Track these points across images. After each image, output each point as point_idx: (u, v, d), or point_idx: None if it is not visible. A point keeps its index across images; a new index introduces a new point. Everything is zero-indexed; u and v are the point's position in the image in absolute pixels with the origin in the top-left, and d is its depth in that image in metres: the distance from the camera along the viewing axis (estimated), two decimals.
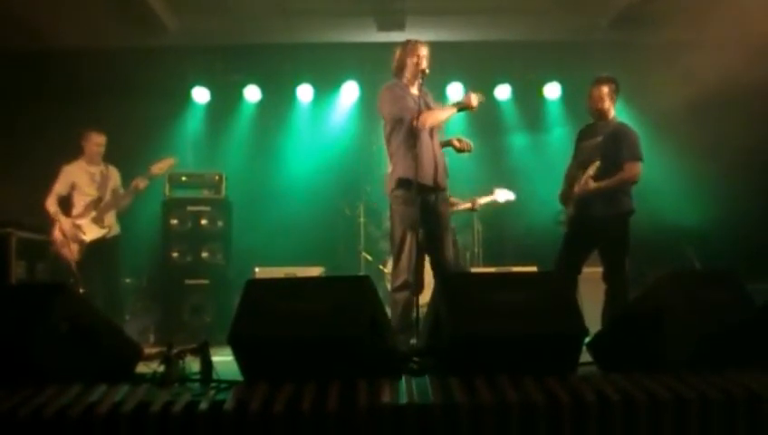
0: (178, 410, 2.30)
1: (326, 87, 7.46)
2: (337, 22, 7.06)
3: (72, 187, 5.62)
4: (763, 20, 5.51)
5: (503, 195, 5.72)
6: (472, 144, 4.55)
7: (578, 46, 7.00)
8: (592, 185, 4.44)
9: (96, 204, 5.61)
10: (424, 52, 4.34)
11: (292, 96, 7.47)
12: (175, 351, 2.75)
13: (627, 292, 4.39)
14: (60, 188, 5.59)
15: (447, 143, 4.55)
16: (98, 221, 5.57)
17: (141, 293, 6.48)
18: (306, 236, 6.76)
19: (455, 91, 7.20)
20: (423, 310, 3.98)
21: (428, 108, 4.34)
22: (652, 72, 6.62)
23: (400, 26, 6.88)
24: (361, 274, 6.14)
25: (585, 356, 2.97)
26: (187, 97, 7.33)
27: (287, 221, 6.77)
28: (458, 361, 2.67)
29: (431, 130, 4.32)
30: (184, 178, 6.29)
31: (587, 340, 2.91)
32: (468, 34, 7.09)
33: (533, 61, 7.23)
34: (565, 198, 4.70)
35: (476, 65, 7.17)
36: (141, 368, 3.02)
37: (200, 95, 7.37)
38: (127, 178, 5.80)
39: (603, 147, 4.47)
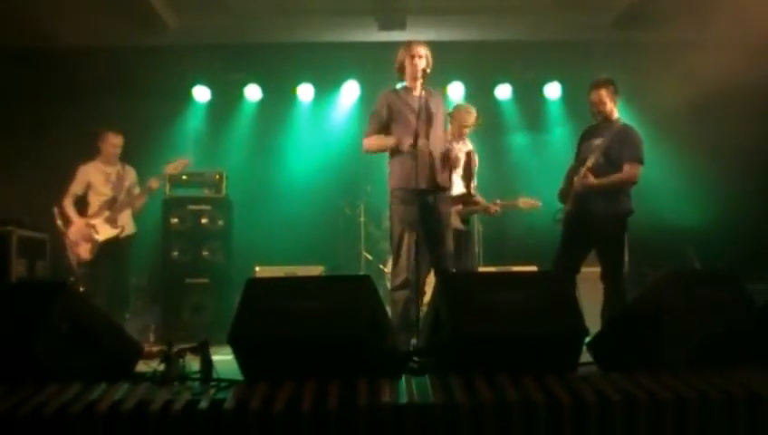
0: (178, 408, 2.30)
1: (327, 86, 7.45)
2: (338, 21, 7.06)
3: (88, 186, 5.68)
4: (764, 20, 5.51)
5: (527, 203, 5.55)
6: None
7: (578, 46, 6.98)
8: (592, 179, 4.44)
9: (110, 204, 5.65)
10: (420, 51, 4.34)
11: (292, 95, 7.46)
12: (175, 349, 2.75)
13: (625, 291, 4.40)
14: (76, 187, 5.66)
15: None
16: (111, 221, 5.61)
17: (141, 291, 6.48)
18: (306, 236, 6.77)
19: (455, 91, 7.20)
20: (423, 309, 3.98)
21: (429, 111, 4.32)
22: (653, 71, 6.63)
23: (401, 26, 6.89)
24: (361, 273, 6.14)
25: (585, 356, 2.97)
26: (187, 96, 7.33)
27: (287, 220, 6.77)
28: (458, 360, 2.67)
29: (428, 128, 4.29)
30: (184, 177, 6.28)
31: (587, 340, 2.91)
32: (469, 34, 7.08)
33: (534, 61, 7.22)
34: (564, 195, 4.69)
35: (477, 65, 7.17)
36: (141, 367, 3.03)
37: (201, 94, 7.36)
38: None
39: (605, 147, 4.46)
